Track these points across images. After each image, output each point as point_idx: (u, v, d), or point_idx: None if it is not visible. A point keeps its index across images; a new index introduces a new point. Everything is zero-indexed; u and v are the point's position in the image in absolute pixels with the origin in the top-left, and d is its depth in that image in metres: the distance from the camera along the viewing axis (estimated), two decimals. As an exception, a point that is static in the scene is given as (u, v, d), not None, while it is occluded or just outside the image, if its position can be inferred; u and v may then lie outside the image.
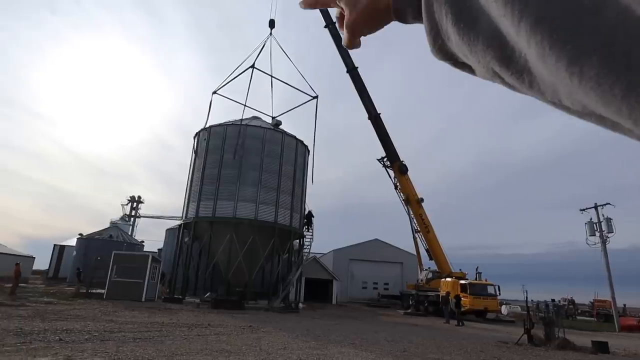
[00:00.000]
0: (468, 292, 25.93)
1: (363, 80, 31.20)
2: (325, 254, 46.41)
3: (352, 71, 31.09)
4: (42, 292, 21.78)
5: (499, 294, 27.42)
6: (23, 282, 22.71)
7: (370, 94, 31.32)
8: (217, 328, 12.01)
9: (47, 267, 45.39)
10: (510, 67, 0.34)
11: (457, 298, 23.07)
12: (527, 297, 17.85)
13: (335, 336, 12.31)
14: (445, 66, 0.45)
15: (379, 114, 31.02)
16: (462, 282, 27.37)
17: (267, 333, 11.66)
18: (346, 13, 0.50)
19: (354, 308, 31.95)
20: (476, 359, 9.89)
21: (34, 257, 37.16)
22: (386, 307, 35.43)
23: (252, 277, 23.21)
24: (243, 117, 24.77)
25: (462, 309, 22.02)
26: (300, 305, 25.07)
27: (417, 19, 0.43)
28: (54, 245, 44.75)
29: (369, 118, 31.27)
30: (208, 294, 22.20)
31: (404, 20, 0.46)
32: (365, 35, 0.53)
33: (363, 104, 31.33)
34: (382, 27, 0.51)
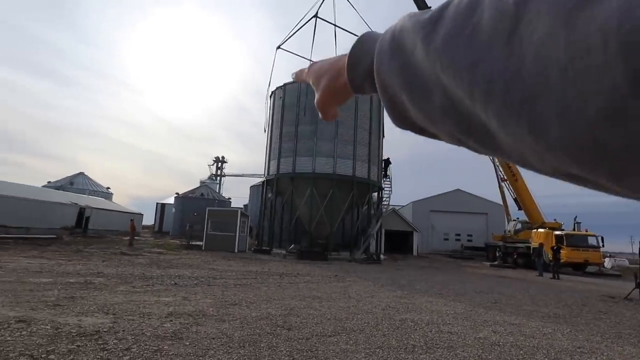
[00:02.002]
0: (564, 243, 23.83)
1: None
2: (404, 206, 46.17)
3: None
4: (153, 244, 24.87)
5: (602, 245, 24.89)
6: (137, 235, 26.06)
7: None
8: (306, 277, 12.82)
9: (152, 223, 51.45)
10: (471, 134, 0.33)
11: (556, 249, 21.45)
12: (640, 250, 16.08)
13: (420, 286, 12.44)
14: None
15: (430, 7, 27.89)
16: (557, 232, 25.23)
17: (353, 282, 12.18)
18: (316, 93, 0.56)
19: (436, 260, 31.79)
20: (578, 313, 9.17)
21: (142, 214, 42.18)
22: (470, 259, 34.62)
23: (333, 229, 24.04)
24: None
25: (559, 262, 20.45)
26: (382, 256, 25.59)
27: (375, 91, 0.43)
28: (157, 203, 50.27)
29: None
30: (292, 245, 23.56)
31: (363, 93, 0.48)
32: (335, 107, 0.57)
33: None
34: (348, 99, 0.54)
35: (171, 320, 5.66)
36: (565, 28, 0.22)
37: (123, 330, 4.98)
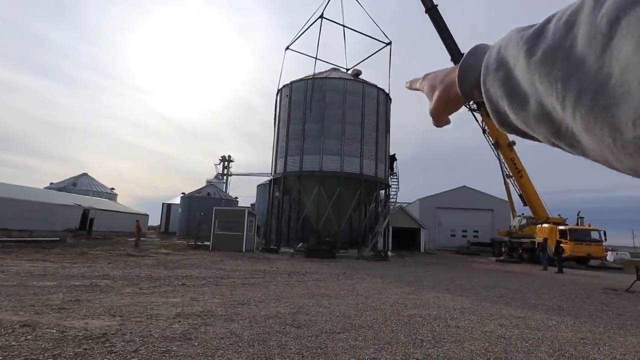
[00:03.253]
0: (568, 238, 24.11)
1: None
2: (411, 203, 45.97)
3: (431, 10, 28.44)
4: (159, 245, 24.87)
5: (605, 239, 25.16)
6: (142, 236, 26.06)
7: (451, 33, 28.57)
8: (314, 275, 12.71)
9: (158, 223, 51.52)
10: (561, 138, 0.37)
11: (558, 244, 21.51)
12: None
13: (428, 282, 12.33)
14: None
15: (436, 5, 27.56)
16: (561, 227, 25.44)
17: (361, 279, 12.06)
18: (429, 103, 0.61)
19: (443, 256, 31.64)
20: (581, 305, 9.20)
21: (148, 215, 42.28)
22: (476, 255, 34.55)
23: (341, 227, 23.93)
24: (322, 71, 24.64)
25: (563, 256, 20.54)
26: (389, 253, 25.45)
27: (482, 99, 0.48)
28: (162, 203, 50.30)
29: (426, 12, 27.13)
30: (300, 244, 23.46)
31: (474, 100, 0.53)
32: (447, 115, 0.61)
33: (445, 45, 28.77)
34: (460, 107, 0.59)
35: (179, 321, 5.55)
36: None
37: (130, 332, 4.87)
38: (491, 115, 0.47)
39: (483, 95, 0.47)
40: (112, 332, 4.87)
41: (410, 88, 0.72)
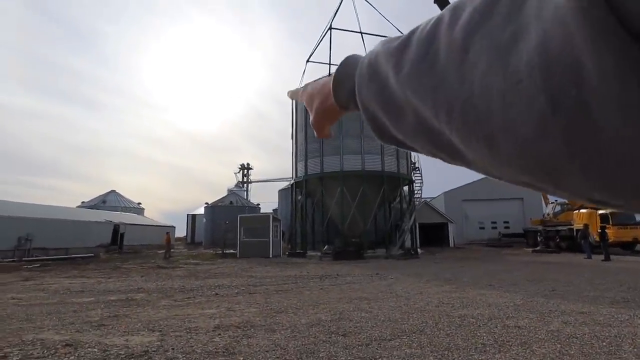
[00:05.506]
0: (610, 222, 22.71)
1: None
2: (435, 197, 45.10)
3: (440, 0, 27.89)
4: (187, 256, 25.04)
5: None
6: (171, 247, 26.30)
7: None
8: (346, 277, 12.41)
9: (184, 234, 52.22)
10: (441, 149, 0.37)
11: (603, 229, 20.36)
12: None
13: (467, 279, 11.83)
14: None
15: None
16: (602, 212, 23.88)
17: (396, 280, 11.68)
18: (310, 113, 0.60)
19: (474, 249, 30.78)
20: None
21: (174, 227, 42.85)
22: (509, 247, 33.41)
23: (367, 227, 23.54)
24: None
25: (608, 242, 19.45)
26: (419, 250, 24.90)
27: (359, 109, 0.47)
28: (187, 214, 51.01)
29: (435, 2, 27.19)
30: (326, 246, 23.19)
31: (350, 111, 0.52)
32: (328, 125, 0.60)
33: None
34: (339, 117, 0.57)
35: (219, 334, 5.35)
36: (501, 61, 0.26)
37: (172, 349, 4.69)
38: (370, 127, 0.45)
39: (359, 106, 0.45)
40: (153, 348, 4.71)
41: (292, 98, 0.73)
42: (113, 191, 52.10)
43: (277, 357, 4.37)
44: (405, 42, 0.37)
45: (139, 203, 54.09)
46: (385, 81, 0.39)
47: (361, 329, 5.60)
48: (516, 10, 0.26)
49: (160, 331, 5.53)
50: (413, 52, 0.35)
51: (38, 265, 17.17)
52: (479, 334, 5.35)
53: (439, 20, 0.33)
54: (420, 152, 0.42)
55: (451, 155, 0.36)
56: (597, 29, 0.20)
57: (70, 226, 24.53)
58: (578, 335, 5.25)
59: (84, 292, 9.38)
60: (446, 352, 4.59)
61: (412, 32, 0.37)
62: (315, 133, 0.62)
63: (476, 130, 0.29)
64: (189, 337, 5.22)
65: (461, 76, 0.30)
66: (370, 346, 4.81)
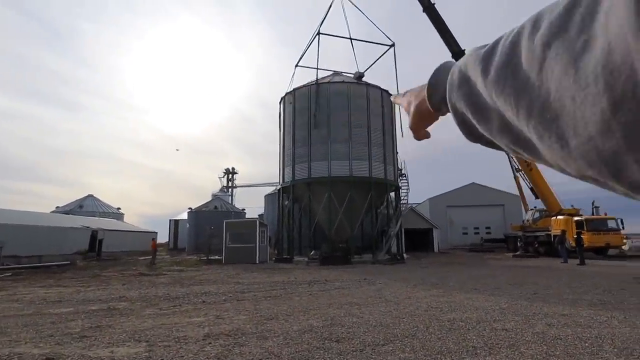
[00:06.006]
0: (585, 228, 23.73)
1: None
2: (420, 203, 45.48)
3: (429, 9, 28.03)
4: (171, 262, 24.50)
5: (623, 227, 24.74)
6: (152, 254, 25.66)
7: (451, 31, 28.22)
8: (335, 282, 12.31)
9: (167, 240, 51.12)
10: (522, 148, 0.42)
11: (578, 235, 21.04)
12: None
13: (453, 283, 11.92)
14: None
15: (434, 3, 26.83)
16: (577, 218, 25.10)
17: (384, 284, 11.65)
18: (408, 117, 0.65)
19: (458, 254, 31.15)
20: (622, 298, 8.74)
21: (157, 232, 41.91)
22: (490, 251, 34.02)
23: (354, 232, 23.51)
24: (324, 76, 24.76)
25: (583, 247, 20.13)
26: (405, 255, 24.98)
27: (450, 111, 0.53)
28: (170, 220, 49.91)
29: (424, 11, 26.99)
30: (313, 252, 23.04)
31: (443, 114, 0.58)
32: (424, 128, 0.65)
33: (445, 43, 28.35)
34: (434, 121, 0.63)
35: (210, 343, 5.18)
36: (573, 68, 0.31)
37: (162, 359, 4.51)
38: (459, 128, 0.51)
39: (450, 109, 0.51)
40: None
41: (395, 103, 0.78)
42: (90, 195, 50.64)
43: (271, 366, 4.25)
44: (491, 50, 0.42)
45: (119, 208, 52.75)
46: (474, 85, 0.44)
47: (354, 335, 5.52)
48: (588, 24, 0.30)
49: (147, 341, 5.32)
50: (498, 59, 0.40)
51: (10, 274, 16.40)
52: (469, 337, 5.37)
53: (521, 29, 0.38)
54: (505, 150, 0.47)
55: (527, 150, 0.41)
56: None
57: (45, 232, 23.49)
58: (562, 337, 5.37)
59: (61, 302, 8.99)
60: (439, 356, 4.56)
61: (497, 41, 0.42)
62: (413, 135, 0.67)
63: (551, 128, 0.35)
64: (179, 347, 5.04)
65: (540, 81, 0.35)
66: (364, 352, 4.73)
